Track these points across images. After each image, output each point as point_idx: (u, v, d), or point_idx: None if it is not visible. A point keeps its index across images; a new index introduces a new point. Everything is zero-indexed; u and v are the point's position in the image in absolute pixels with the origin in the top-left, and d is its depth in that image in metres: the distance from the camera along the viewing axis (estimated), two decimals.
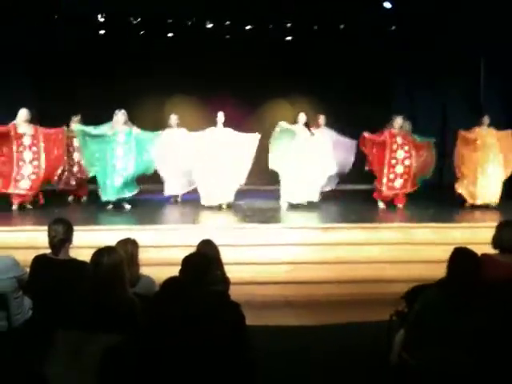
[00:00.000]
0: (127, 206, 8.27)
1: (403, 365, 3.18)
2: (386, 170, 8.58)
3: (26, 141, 8.11)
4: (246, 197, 8.97)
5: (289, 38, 11.78)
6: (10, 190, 8.07)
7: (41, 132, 8.23)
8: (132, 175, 8.22)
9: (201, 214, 8.15)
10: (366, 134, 8.56)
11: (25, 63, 10.86)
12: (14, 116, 8.16)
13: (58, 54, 11.04)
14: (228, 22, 11.34)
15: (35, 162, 8.15)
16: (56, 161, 8.41)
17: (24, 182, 8.10)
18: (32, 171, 8.13)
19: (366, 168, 8.93)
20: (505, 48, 9.95)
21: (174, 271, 3.03)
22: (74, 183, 9.17)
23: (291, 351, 4.32)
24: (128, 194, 8.27)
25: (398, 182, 8.63)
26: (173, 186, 9.19)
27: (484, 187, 8.57)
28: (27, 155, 8.12)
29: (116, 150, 8.13)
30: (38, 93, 11.02)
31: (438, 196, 9.45)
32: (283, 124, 8.57)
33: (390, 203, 8.71)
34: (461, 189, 8.74)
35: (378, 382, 3.64)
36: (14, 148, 8.07)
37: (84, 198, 9.28)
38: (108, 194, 8.15)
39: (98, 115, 8.49)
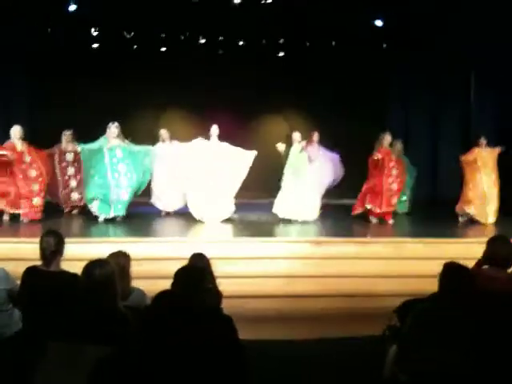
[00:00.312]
0: (118, 219, 8.25)
1: (396, 379, 3.17)
2: (384, 188, 8.61)
3: (27, 158, 8.08)
4: (238, 210, 8.96)
5: (282, 54, 11.89)
6: (24, 210, 8.01)
7: (31, 148, 8.20)
8: (135, 190, 8.32)
9: (193, 227, 8.13)
10: (380, 156, 8.59)
11: (25, 63, 10.85)
12: (13, 116, 8.13)
13: (59, 54, 11.07)
14: (221, 38, 11.43)
15: (40, 179, 8.17)
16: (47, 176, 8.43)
17: (36, 199, 8.09)
18: (39, 187, 8.13)
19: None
20: (495, 61, 10.05)
21: (167, 284, 3.02)
22: (78, 197, 9.02)
23: (284, 365, 4.30)
24: (123, 213, 8.30)
25: (394, 200, 8.68)
26: (165, 201, 9.17)
27: (491, 205, 8.68)
28: (32, 172, 8.10)
29: (117, 165, 8.20)
30: (39, 93, 11.02)
31: (431, 211, 9.50)
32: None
33: (380, 219, 8.74)
34: (470, 210, 8.76)
35: None
36: (14, 166, 7.99)
37: (75, 211, 9.19)
38: (117, 210, 8.16)
39: (96, 119, 8.57)
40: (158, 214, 9.21)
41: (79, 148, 8.36)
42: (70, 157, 8.95)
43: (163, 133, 9.18)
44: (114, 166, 8.16)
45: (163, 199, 9.15)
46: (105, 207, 8.17)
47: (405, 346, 3.19)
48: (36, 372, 2.84)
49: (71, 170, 8.97)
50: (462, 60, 10.57)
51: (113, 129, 8.21)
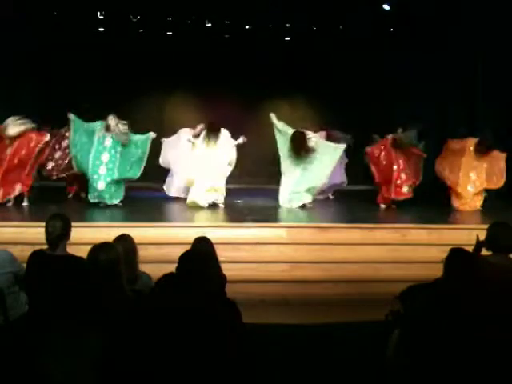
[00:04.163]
0: (119, 204, 8.29)
1: (398, 364, 3.19)
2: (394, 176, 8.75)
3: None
4: (243, 195, 8.98)
5: (288, 38, 11.82)
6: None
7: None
8: (117, 181, 8.21)
9: (197, 212, 8.16)
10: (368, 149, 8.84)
11: (25, 62, 10.84)
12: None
13: (59, 51, 11.06)
14: (227, 22, 11.36)
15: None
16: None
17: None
18: None
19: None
20: (502, 53, 9.97)
21: (171, 268, 3.04)
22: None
23: (288, 349, 4.33)
24: (112, 202, 8.19)
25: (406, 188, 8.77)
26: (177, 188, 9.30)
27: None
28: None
29: (101, 154, 8.11)
30: (40, 91, 11.02)
31: (436, 198, 9.47)
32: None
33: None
34: None
35: (374, 381, 3.66)
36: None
37: (83, 194, 9.26)
38: (91, 197, 8.17)
39: (97, 113, 8.49)
40: (161, 198, 9.26)
41: (71, 117, 8.19)
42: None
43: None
44: (97, 153, 8.10)
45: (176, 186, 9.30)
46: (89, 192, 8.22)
47: (408, 331, 3.21)
48: (42, 354, 2.87)
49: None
50: (470, 49, 10.48)
51: (110, 122, 8.09)
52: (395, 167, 8.72)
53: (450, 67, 10.90)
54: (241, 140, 8.53)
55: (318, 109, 11.03)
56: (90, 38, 11.15)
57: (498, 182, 8.75)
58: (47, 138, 8.24)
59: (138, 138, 8.33)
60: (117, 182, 8.21)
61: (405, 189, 8.75)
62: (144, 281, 3.78)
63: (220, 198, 8.49)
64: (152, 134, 8.38)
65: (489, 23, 9.67)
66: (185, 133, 9.21)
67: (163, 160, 9.42)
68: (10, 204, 8.12)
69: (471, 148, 8.76)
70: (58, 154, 9.04)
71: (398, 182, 8.73)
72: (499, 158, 8.78)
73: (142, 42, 11.41)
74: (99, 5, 10.57)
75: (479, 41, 10.20)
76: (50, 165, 9.06)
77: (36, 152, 8.15)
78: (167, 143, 9.38)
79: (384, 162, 8.80)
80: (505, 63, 9.95)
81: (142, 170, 8.30)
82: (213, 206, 8.41)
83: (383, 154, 8.82)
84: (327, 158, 8.53)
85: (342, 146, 8.67)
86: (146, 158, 8.29)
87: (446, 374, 2.91)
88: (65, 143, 8.92)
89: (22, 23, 10.34)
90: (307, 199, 8.51)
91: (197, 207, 8.32)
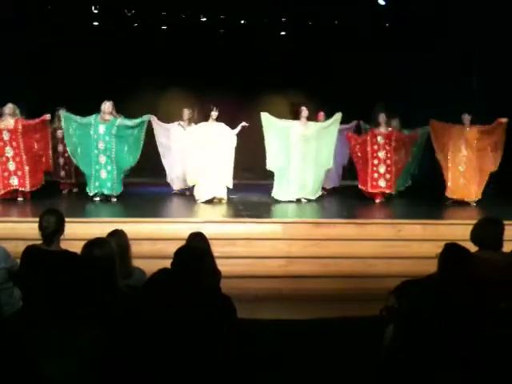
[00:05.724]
0: (113, 200, 8.30)
1: (393, 359, 3.20)
2: (369, 170, 8.72)
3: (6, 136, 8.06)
4: (239, 191, 8.97)
5: (283, 33, 11.79)
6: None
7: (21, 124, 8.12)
8: (116, 171, 8.23)
9: (193, 207, 8.15)
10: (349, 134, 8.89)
11: (25, 62, 10.77)
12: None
13: (55, 48, 11.01)
14: (222, 16, 11.32)
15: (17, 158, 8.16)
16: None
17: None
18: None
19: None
20: (497, 50, 9.96)
21: (167, 264, 3.03)
22: (63, 174, 9.18)
23: (283, 345, 4.34)
24: (111, 193, 8.26)
25: (381, 182, 8.75)
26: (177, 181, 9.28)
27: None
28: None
29: (97, 142, 8.15)
30: (40, 91, 10.96)
31: (430, 194, 9.49)
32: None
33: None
34: None
35: (369, 376, 3.67)
36: None
37: (75, 189, 9.27)
38: (93, 188, 8.21)
39: (95, 99, 8.42)
40: (156, 194, 9.22)
41: (61, 113, 8.31)
42: (60, 134, 8.90)
43: (186, 113, 9.10)
44: (94, 142, 8.14)
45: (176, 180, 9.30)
46: (89, 183, 8.27)
47: (402, 326, 3.21)
48: (36, 350, 2.86)
49: (60, 148, 9.00)
50: (469, 49, 10.47)
51: (103, 107, 8.16)
52: (372, 161, 8.73)
53: (449, 67, 10.88)
54: (240, 127, 8.49)
55: (316, 106, 10.98)
56: (86, 36, 11.12)
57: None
58: (48, 116, 8.31)
59: (133, 120, 8.36)
60: (117, 174, 8.26)
61: (382, 183, 8.72)
62: (138, 276, 3.77)
63: (223, 192, 8.51)
64: (148, 117, 8.41)
65: (488, 23, 9.63)
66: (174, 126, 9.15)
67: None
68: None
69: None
70: (61, 160, 9.11)
71: (375, 175, 8.71)
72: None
73: (137, 37, 11.37)
74: None
75: (479, 40, 10.18)
76: (62, 173, 9.18)
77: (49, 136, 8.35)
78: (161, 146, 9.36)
79: (359, 155, 8.83)
80: (505, 63, 9.94)
81: (139, 155, 8.31)
82: (209, 202, 8.41)
83: (358, 147, 8.83)
84: (326, 141, 8.63)
85: (337, 115, 8.69)
86: (142, 141, 8.31)
87: (441, 369, 2.92)
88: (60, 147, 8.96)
89: (22, 23, 10.29)
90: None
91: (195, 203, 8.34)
